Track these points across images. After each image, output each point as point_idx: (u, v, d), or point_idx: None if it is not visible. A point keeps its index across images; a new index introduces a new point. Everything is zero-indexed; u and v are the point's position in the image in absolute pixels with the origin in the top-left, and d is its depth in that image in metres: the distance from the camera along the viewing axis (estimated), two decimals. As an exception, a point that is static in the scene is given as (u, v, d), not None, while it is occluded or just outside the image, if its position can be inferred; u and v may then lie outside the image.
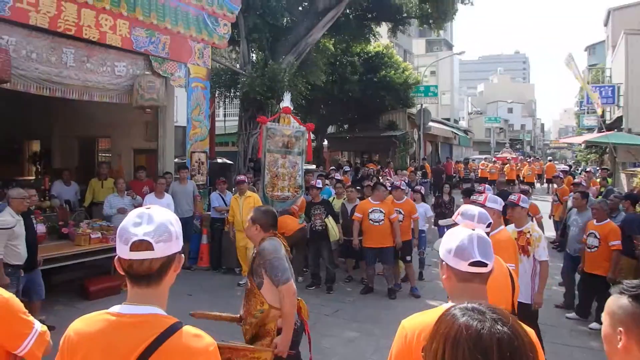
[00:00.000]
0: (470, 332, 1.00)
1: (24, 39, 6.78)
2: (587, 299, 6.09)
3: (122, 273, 1.40)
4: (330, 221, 7.42)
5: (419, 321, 1.64)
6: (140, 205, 7.49)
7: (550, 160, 29.09)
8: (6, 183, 7.58)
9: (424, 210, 8.12)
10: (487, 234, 2.29)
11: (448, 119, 35.13)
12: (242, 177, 7.85)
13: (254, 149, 12.00)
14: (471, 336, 1.00)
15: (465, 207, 2.71)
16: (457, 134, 31.77)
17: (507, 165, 22.35)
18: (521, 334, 1.01)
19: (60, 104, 9.69)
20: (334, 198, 8.42)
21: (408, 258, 7.18)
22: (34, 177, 11.81)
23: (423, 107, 21.01)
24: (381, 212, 6.90)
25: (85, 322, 1.40)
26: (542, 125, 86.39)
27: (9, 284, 4.86)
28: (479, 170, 23.79)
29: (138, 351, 1.31)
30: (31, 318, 1.83)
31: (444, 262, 1.67)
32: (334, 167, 15.14)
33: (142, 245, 1.33)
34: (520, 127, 64.47)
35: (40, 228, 6.46)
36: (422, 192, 8.79)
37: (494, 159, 27.61)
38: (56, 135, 12.10)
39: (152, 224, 1.36)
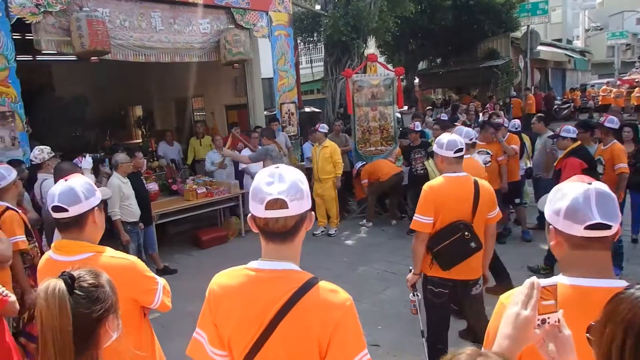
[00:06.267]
0: None
1: (116, 8, 7.09)
2: None
3: (257, 231, 1.44)
4: (431, 164, 7.03)
5: None
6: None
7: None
8: (113, 149, 8.15)
9: None
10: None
11: (559, 40, 30.52)
12: (315, 127, 7.62)
13: (342, 94, 11.66)
14: None
15: (438, 137, 2.92)
16: (572, 57, 27.00)
17: (636, 89, 18.74)
18: None
19: (156, 68, 10.11)
20: (432, 140, 8.01)
21: (517, 200, 6.67)
22: (141, 140, 12.67)
23: (530, 28, 17.36)
24: (488, 153, 6.21)
25: (228, 277, 1.48)
26: (685, 35, 73.04)
27: (129, 240, 5.44)
28: (600, 97, 20.04)
29: (278, 305, 1.36)
30: (154, 274, 2.05)
31: (551, 226, 1.37)
32: (430, 107, 14.31)
33: (277, 203, 1.36)
34: (654, 41, 55.26)
35: (154, 186, 7.07)
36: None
37: (618, 82, 22.81)
38: (155, 99, 12.79)
39: (284, 182, 1.38)
